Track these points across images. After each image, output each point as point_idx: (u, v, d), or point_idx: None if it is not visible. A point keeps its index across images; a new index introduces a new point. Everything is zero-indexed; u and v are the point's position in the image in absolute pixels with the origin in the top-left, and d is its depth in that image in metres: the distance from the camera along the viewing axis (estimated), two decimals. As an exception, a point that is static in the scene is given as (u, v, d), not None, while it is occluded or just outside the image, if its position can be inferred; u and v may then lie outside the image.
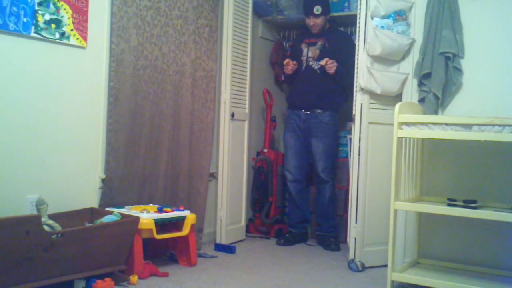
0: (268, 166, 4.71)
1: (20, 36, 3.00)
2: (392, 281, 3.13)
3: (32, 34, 3.05)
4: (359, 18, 3.67)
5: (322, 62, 4.25)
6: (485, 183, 3.37)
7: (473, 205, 3.03)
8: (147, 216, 3.23)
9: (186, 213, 3.48)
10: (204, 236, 4.16)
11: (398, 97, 3.69)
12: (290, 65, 4.41)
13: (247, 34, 4.51)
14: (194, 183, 4.08)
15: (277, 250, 4.19)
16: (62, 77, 3.24)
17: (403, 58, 3.69)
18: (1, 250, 2.49)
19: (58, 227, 2.87)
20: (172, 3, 3.88)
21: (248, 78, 4.53)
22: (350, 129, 4.11)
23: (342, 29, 4.70)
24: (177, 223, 3.44)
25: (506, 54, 3.35)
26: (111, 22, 3.48)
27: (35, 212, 2.92)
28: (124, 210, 3.32)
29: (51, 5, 3.14)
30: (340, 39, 4.46)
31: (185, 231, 3.44)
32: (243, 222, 4.51)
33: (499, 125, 2.83)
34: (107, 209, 3.33)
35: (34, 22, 3.05)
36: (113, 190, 3.47)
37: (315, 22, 4.38)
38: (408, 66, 3.66)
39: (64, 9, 3.21)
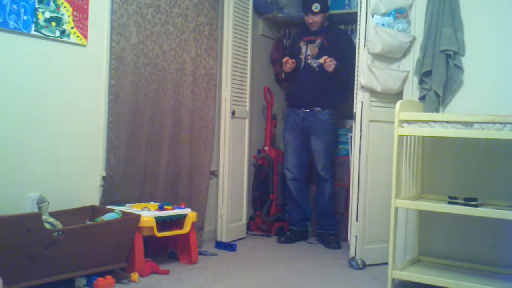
0: (269, 164, 4.71)
1: (20, 34, 3.00)
2: (393, 279, 3.13)
3: (33, 32, 3.05)
4: (360, 15, 3.66)
5: (321, 60, 4.24)
6: (486, 181, 3.37)
7: (473, 203, 3.03)
8: (148, 214, 3.23)
9: (187, 211, 3.49)
10: (205, 234, 4.16)
11: (398, 95, 3.68)
12: (289, 63, 4.40)
13: (247, 32, 4.51)
14: (195, 181, 4.08)
15: (278, 248, 4.19)
16: (62, 75, 3.24)
17: (404, 56, 3.68)
18: (2, 247, 2.49)
19: (59, 224, 2.88)
20: (173, 1, 3.87)
21: (248, 76, 4.53)
22: (351, 127, 4.10)
23: (342, 27, 4.70)
24: (178, 221, 3.44)
25: (507, 52, 3.35)
26: (112, 20, 3.47)
27: (36, 210, 2.92)
28: (125, 208, 3.32)
29: (51, 3, 3.13)
30: (339, 37, 4.45)
31: (186, 229, 3.44)
32: (244, 220, 4.51)
33: (500, 123, 2.83)
34: (108, 207, 3.33)
35: (35, 20, 3.05)
36: (114, 188, 3.47)
37: (314, 20, 4.37)
38: (409, 64, 3.66)
39: (65, 7, 3.21)
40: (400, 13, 3.62)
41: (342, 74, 4.28)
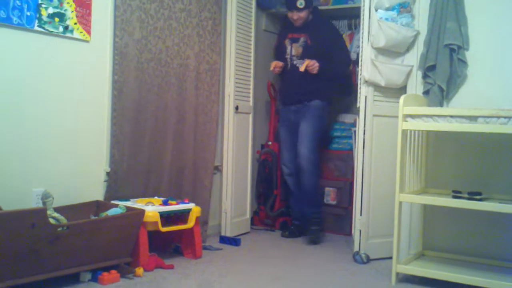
0: (273, 159, 4.71)
1: (23, 30, 3.00)
2: (397, 273, 3.14)
3: (36, 28, 3.05)
4: (363, 10, 3.66)
5: (302, 68, 4.16)
6: (490, 175, 3.37)
7: (478, 197, 3.03)
8: (152, 209, 3.24)
9: (191, 205, 3.49)
10: (209, 228, 4.17)
11: (402, 89, 3.68)
12: (277, 68, 4.37)
13: (250, 27, 4.50)
14: (199, 176, 4.08)
15: (282, 242, 4.20)
16: (66, 71, 3.24)
17: (408, 50, 3.68)
18: (7, 242, 2.50)
19: (63, 220, 2.89)
20: (176, -4, 3.87)
21: (252, 71, 4.52)
22: (355, 122, 4.10)
23: (345, 21, 4.68)
24: (182, 216, 3.45)
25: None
26: (115, 16, 3.47)
27: (40, 205, 2.93)
28: (129, 203, 3.32)
29: (55, -1, 3.14)
30: (322, 31, 4.31)
31: (190, 223, 3.45)
32: (248, 215, 4.52)
33: (505, 117, 2.83)
34: (112, 202, 3.34)
35: (38, 15, 3.05)
36: (118, 183, 3.48)
37: (299, 16, 4.26)
38: (413, 58, 3.65)
39: (68, 3, 3.20)
40: (404, 8, 3.61)
41: (329, 70, 4.22)
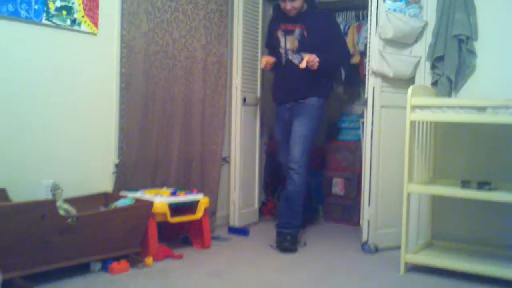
0: (280, 151, 4.70)
1: (31, 23, 3.02)
2: (406, 263, 3.15)
3: (44, 21, 3.06)
4: (371, 1, 3.64)
5: (302, 65, 3.72)
6: (499, 165, 3.36)
7: (487, 187, 3.02)
8: (160, 200, 3.26)
9: (199, 196, 3.51)
10: (217, 219, 4.19)
11: (410, 80, 3.67)
12: (268, 65, 3.99)
13: (257, 18, 4.49)
14: (207, 168, 4.10)
15: (290, 234, 4.20)
16: (74, 64, 3.26)
17: (416, 41, 3.67)
18: (18, 234, 2.53)
19: (73, 211, 2.91)
20: (183, -12, 3.88)
21: (259, 62, 4.51)
22: (363, 113, 4.10)
23: (351, 13, 4.65)
24: (190, 207, 3.47)
25: (520, 36, 3.33)
26: (122, 8, 3.48)
27: (50, 197, 2.96)
28: (138, 194, 3.35)
29: (63, -9, 3.15)
30: (320, 21, 3.87)
31: (199, 214, 3.46)
32: (256, 205, 4.53)
33: (513, 107, 2.81)
34: (121, 193, 3.37)
35: (45, 9, 3.07)
36: (127, 175, 3.50)
37: (293, 6, 3.81)
38: (421, 49, 3.64)
39: (76, -5, 3.22)
40: (412, -2, 3.60)
41: (329, 64, 3.86)
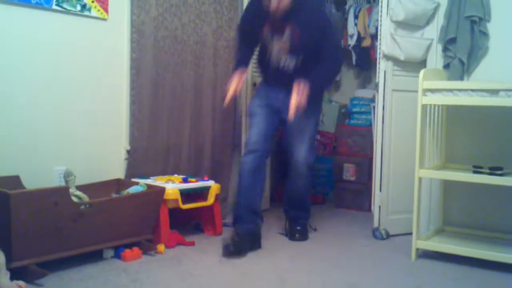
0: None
1: (42, 9, 3.01)
2: (417, 249, 3.14)
3: (54, 7, 3.05)
4: (382, -17, 3.60)
5: (291, 114, 3.11)
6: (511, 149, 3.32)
7: (499, 172, 3.00)
8: (172, 186, 3.27)
9: (211, 183, 3.51)
10: (228, 205, 4.19)
11: (422, 63, 3.63)
12: (228, 100, 3.37)
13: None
14: (218, 154, 4.09)
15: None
16: (85, 49, 3.25)
17: (427, 23, 3.62)
18: (31, 221, 2.54)
19: (86, 198, 2.92)
20: (192, -28, 3.84)
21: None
22: (374, 97, 4.07)
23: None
24: (202, 193, 3.47)
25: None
26: (131, -7, 3.47)
27: (63, 184, 2.97)
28: (149, 181, 3.36)
29: (72, -23, 3.14)
30: (311, 22, 3.27)
31: (210, 200, 3.47)
32: (267, 192, 4.53)
33: (527, 90, 2.78)
34: (133, 180, 3.37)
35: (56, -6, 3.06)
36: (138, 161, 3.51)
37: (279, 5, 3.15)
38: (433, 31, 3.60)
39: (85, -19, 3.20)
40: (424, -21, 3.54)
41: (320, 86, 3.39)
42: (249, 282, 2.74)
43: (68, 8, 3.12)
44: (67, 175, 2.93)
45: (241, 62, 3.50)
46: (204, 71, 3.96)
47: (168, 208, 3.25)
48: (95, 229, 2.83)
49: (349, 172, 4.66)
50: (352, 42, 4.85)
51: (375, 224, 3.66)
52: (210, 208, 3.51)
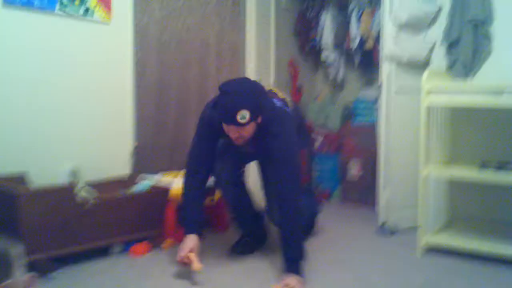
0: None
1: (44, 13, 3.03)
2: (424, 244, 3.13)
3: (57, 11, 3.08)
4: (384, -15, 3.61)
5: None
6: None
7: (507, 166, 2.95)
8: (178, 184, 3.26)
9: (216, 180, 3.52)
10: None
11: (425, 65, 3.63)
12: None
13: (270, 5, 4.47)
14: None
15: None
16: (88, 53, 3.28)
17: (430, 25, 3.63)
18: (40, 217, 2.59)
19: (92, 195, 2.93)
20: (195, -25, 3.86)
21: (272, 49, 4.50)
22: (377, 98, 4.07)
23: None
24: (208, 189, 3.47)
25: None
26: (134, -4, 3.49)
27: (70, 181, 2.99)
28: (156, 177, 3.38)
29: (76, -20, 3.16)
30: (271, 144, 2.65)
31: (216, 197, 3.47)
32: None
33: (530, 90, 2.78)
34: (139, 176, 3.41)
35: (59, -2, 3.08)
36: (145, 158, 3.57)
37: (241, 134, 2.58)
38: (435, 33, 3.60)
39: (89, -16, 3.22)
40: (426, -19, 3.55)
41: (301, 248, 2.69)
42: (257, 275, 2.75)
43: (71, 12, 3.15)
44: (74, 173, 2.96)
45: (191, 224, 2.78)
46: (208, 73, 4.00)
47: (176, 204, 3.25)
48: (103, 225, 2.87)
49: (354, 169, 4.65)
50: (354, 44, 4.85)
51: (381, 220, 3.64)
52: (216, 204, 3.52)
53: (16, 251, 1.32)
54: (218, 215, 3.58)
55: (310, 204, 3.33)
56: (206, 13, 3.96)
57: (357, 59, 4.90)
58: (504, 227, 3.31)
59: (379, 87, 3.69)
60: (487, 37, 3.38)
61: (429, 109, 3.15)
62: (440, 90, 3.06)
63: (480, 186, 3.40)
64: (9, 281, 1.25)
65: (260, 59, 4.33)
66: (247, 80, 2.71)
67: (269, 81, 4.47)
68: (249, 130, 2.58)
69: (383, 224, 3.63)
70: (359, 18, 4.77)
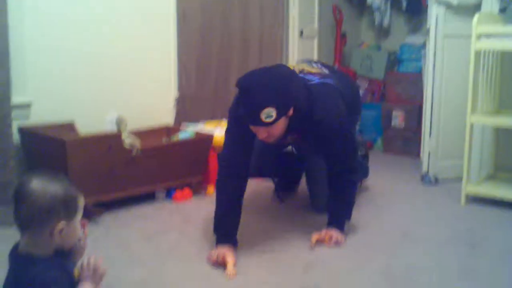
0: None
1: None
2: (467, 194, 3.10)
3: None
4: None
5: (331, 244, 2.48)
6: None
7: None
8: (221, 132, 3.30)
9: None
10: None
11: (476, 8, 3.49)
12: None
13: None
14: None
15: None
16: (133, 1, 3.31)
17: (482, -36, 3.47)
18: (87, 164, 2.67)
19: (137, 143, 3.00)
20: None
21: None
22: (424, 43, 3.97)
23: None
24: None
25: None
26: None
27: (115, 130, 3.06)
28: (199, 126, 3.43)
29: None
30: (320, 131, 2.43)
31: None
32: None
33: None
34: (182, 125, 3.46)
35: None
36: (187, 107, 3.59)
37: (270, 134, 2.29)
38: (488, -27, 3.45)
39: None
40: None
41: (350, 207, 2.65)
42: (300, 223, 2.78)
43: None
44: (120, 121, 3.02)
45: (226, 232, 2.40)
46: (251, 19, 3.97)
47: (217, 153, 3.30)
48: (147, 172, 2.94)
49: (398, 119, 4.59)
50: (402, -13, 4.72)
51: (424, 170, 3.62)
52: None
53: (79, 194, 1.45)
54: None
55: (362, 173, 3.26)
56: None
57: (404, 3, 4.77)
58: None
59: (427, 31, 3.59)
60: (544, -23, 3.23)
61: (479, 54, 3.05)
62: (491, 34, 2.96)
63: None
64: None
65: (303, 4, 4.25)
66: (267, 70, 2.33)
67: (313, 26, 4.39)
68: (279, 127, 2.27)
69: (427, 173, 3.60)
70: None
